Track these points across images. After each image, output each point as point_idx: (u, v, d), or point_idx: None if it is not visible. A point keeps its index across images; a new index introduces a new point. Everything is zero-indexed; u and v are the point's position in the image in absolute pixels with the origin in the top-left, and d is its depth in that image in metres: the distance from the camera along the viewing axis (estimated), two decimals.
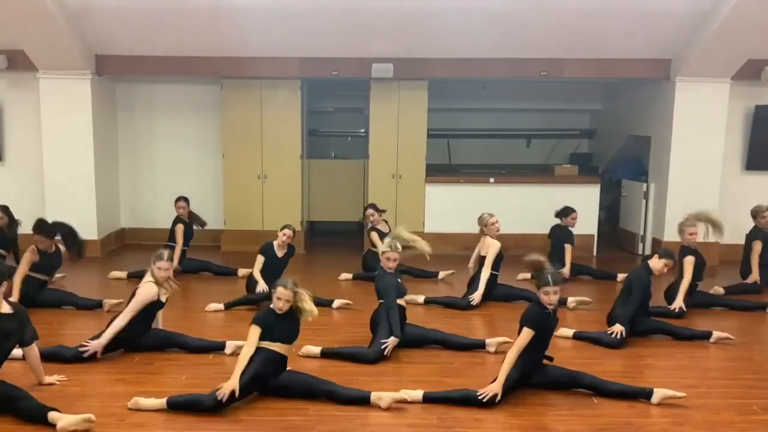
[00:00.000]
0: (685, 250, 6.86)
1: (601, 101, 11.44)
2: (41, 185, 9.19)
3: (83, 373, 5.06)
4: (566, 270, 8.07)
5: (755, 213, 8.04)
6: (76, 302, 6.81)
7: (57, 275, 7.78)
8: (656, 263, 6.00)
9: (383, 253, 5.74)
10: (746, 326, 6.54)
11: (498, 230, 7.19)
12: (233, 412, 4.42)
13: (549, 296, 4.67)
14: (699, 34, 8.36)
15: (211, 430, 4.24)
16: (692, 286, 6.89)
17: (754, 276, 7.85)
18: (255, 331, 4.61)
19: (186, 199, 8.49)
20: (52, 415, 4.15)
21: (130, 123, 10.06)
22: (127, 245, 9.96)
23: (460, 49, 8.82)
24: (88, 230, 9.14)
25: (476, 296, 6.96)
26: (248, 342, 4.61)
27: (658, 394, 4.64)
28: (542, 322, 4.68)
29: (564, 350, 5.75)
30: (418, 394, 4.64)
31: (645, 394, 4.67)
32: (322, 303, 6.92)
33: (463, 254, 8.25)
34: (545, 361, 4.88)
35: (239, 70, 9.10)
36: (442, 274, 8.19)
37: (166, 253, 5.53)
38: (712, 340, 5.95)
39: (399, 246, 5.77)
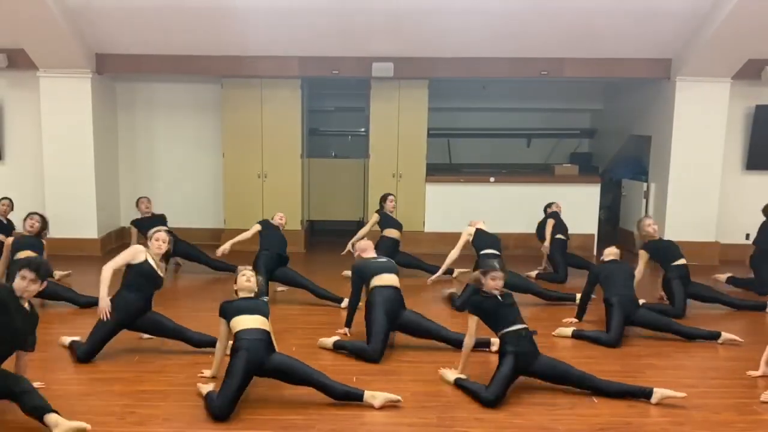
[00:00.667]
0: (643, 245, 7.14)
1: (602, 101, 11.44)
2: (41, 184, 9.19)
3: (83, 372, 5.07)
4: (547, 244, 8.22)
5: None
6: (77, 300, 6.78)
7: (62, 273, 7.79)
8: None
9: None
10: (746, 326, 6.55)
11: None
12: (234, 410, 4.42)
13: (495, 281, 4.82)
14: (699, 34, 8.36)
15: (212, 429, 4.24)
16: (681, 270, 6.89)
17: None
18: (221, 326, 4.79)
19: (147, 199, 8.60)
20: (49, 418, 3.94)
21: (130, 122, 10.06)
22: (127, 244, 9.85)
23: (460, 49, 8.83)
24: (88, 229, 9.20)
25: (433, 276, 7.47)
26: (219, 337, 4.87)
27: (658, 393, 4.63)
28: (478, 304, 4.84)
29: (564, 350, 5.75)
30: (450, 377, 4.90)
31: (645, 394, 4.66)
32: (332, 297, 6.92)
33: (463, 253, 8.23)
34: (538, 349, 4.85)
35: (239, 69, 9.10)
36: (456, 272, 8.14)
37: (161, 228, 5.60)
38: (720, 341, 5.93)
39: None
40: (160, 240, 5.39)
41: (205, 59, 9.00)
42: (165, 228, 5.60)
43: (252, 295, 4.84)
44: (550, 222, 8.32)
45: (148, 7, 8.16)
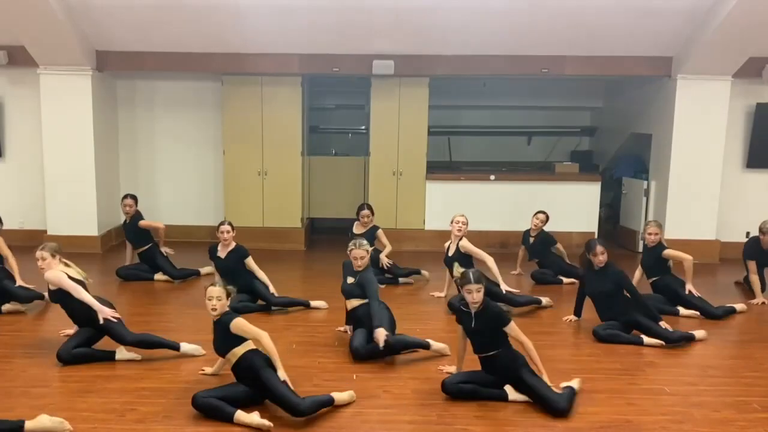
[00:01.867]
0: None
1: (602, 99, 11.43)
2: (41, 181, 9.20)
3: (83, 369, 5.07)
4: (517, 271, 8.10)
5: None
6: (16, 293, 6.55)
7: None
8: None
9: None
10: (746, 324, 6.55)
11: (459, 230, 6.79)
12: None
13: (472, 294, 4.55)
14: (700, 32, 8.35)
15: (212, 427, 4.23)
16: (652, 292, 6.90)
17: None
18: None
19: (133, 197, 8.04)
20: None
21: (130, 119, 10.05)
22: None
23: (461, 46, 8.81)
24: (88, 226, 9.19)
25: (440, 294, 7.23)
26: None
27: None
28: (458, 316, 4.78)
29: (564, 348, 5.76)
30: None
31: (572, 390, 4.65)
32: (300, 303, 6.84)
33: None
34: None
35: (240, 66, 9.10)
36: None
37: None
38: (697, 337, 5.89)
39: (365, 242, 5.66)
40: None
41: (206, 56, 8.99)
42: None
43: (220, 316, 4.48)
44: (520, 251, 8.28)
45: (149, 5, 8.15)
